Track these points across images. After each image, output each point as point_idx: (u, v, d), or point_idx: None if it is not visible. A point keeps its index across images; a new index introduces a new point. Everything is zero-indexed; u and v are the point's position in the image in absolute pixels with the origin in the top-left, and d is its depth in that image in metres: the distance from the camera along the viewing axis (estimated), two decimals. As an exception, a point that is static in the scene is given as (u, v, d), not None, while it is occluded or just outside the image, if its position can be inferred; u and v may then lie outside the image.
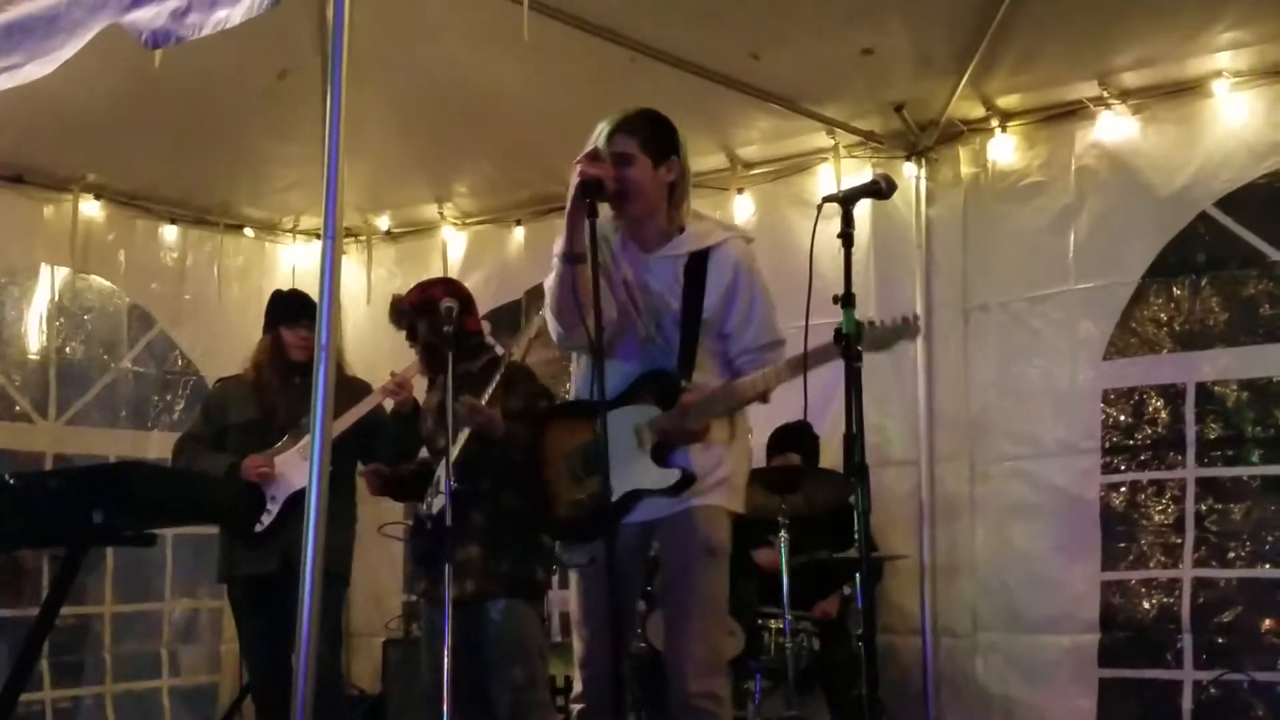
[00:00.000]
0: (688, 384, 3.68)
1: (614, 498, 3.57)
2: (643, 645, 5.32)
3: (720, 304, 3.72)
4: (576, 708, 3.81)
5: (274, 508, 5.20)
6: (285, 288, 6.15)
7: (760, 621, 5.50)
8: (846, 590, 5.72)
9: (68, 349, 6.57)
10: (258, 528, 5.21)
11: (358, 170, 5.80)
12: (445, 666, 4.16)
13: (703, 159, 6.45)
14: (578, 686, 3.80)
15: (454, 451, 4.42)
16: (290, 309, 5.42)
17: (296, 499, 5.01)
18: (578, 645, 3.81)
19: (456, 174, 6.97)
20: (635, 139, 3.71)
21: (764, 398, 3.69)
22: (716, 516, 3.71)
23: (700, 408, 3.64)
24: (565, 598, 5.95)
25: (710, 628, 3.69)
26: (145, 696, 6.73)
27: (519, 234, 7.12)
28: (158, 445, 6.65)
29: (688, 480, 3.64)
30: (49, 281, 6.49)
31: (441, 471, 4.52)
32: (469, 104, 5.78)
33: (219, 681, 6.94)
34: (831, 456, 5.70)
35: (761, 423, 5.99)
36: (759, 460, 6.02)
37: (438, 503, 4.49)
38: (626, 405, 3.67)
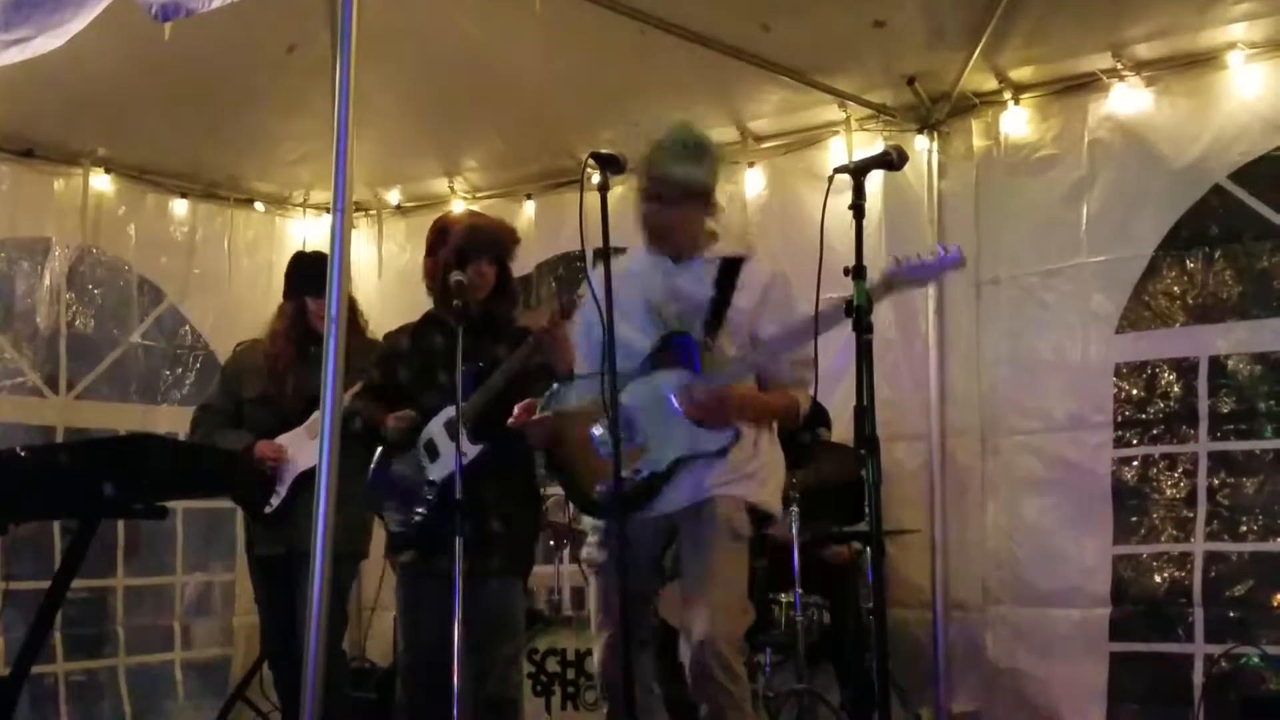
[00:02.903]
0: (710, 342, 3.71)
1: (662, 466, 3.66)
2: (655, 621, 5.32)
3: (750, 315, 3.76)
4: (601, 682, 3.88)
5: (282, 489, 5.12)
6: (303, 251, 6.02)
7: (770, 596, 5.50)
8: (857, 545, 5.71)
9: (78, 323, 6.58)
10: (267, 509, 5.15)
11: (367, 144, 5.78)
12: (456, 641, 4.04)
13: (713, 132, 6.30)
14: (598, 675, 3.88)
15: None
16: (317, 277, 5.20)
17: (304, 479, 4.94)
18: (596, 636, 3.87)
19: (466, 148, 6.96)
20: (699, 178, 3.74)
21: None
22: (737, 505, 3.74)
23: (725, 368, 3.68)
24: (567, 572, 6.02)
25: (726, 603, 3.71)
26: (158, 670, 6.76)
27: (529, 208, 7.10)
28: (167, 419, 6.65)
29: (738, 435, 3.68)
30: (59, 255, 6.48)
31: (435, 433, 4.43)
32: (479, 77, 5.75)
33: (231, 655, 6.96)
34: (841, 431, 5.69)
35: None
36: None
37: (438, 468, 4.40)
38: (655, 371, 3.71)
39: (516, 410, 4.00)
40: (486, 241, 4.53)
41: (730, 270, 3.79)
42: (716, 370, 3.69)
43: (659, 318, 3.80)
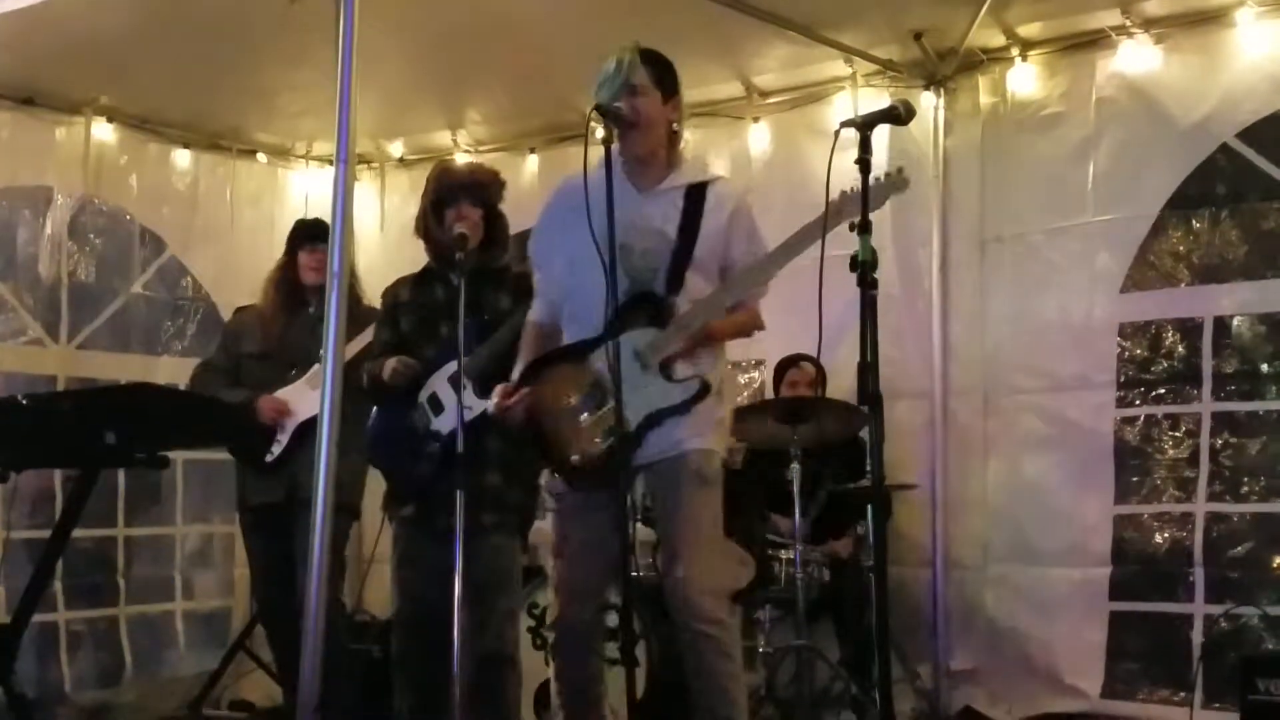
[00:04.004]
0: (673, 298, 3.69)
1: (632, 426, 3.60)
2: (652, 573, 5.34)
3: (721, 239, 3.75)
4: (551, 634, 3.85)
5: (284, 438, 5.21)
6: (300, 216, 6.12)
7: (770, 552, 5.52)
8: (860, 530, 5.72)
9: (79, 273, 6.55)
10: (268, 458, 5.23)
11: (369, 96, 5.72)
12: (456, 600, 4.01)
13: (719, 87, 6.39)
14: (553, 613, 3.82)
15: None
16: (308, 231, 5.37)
17: (305, 428, 5.02)
18: (553, 573, 3.85)
19: (469, 100, 6.91)
20: (647, 72, 3.73)
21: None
22: (708, 456, 3.74)
23: (694, 311, 3.68)
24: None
25: (706, 554, 3.69)
26: (158, 620, 6.78)
27: (532, 162, 7.07)
28: (168, 370, 6.64)
29: (705, 389, 3.66)
30: (61, 205, 6.45)
31: (438, 386, 4.42)
32: (482, 29, 5.71)
33: (231, 606, 6.99)
34: (843, 389, 5.68)
35: (772, 354, 6.00)
36: (767, 391, 6.06)
37: (444, 421, 4.37)
38: (621, 333, 3.66)
39: (495, 397, 3.90)
40: (460, 185, 4.50)
41: (696, 198, 3.76)
42: (680, 328, 3.68)
43: (621, 258, 3.70)
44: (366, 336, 4.83)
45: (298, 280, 5.34)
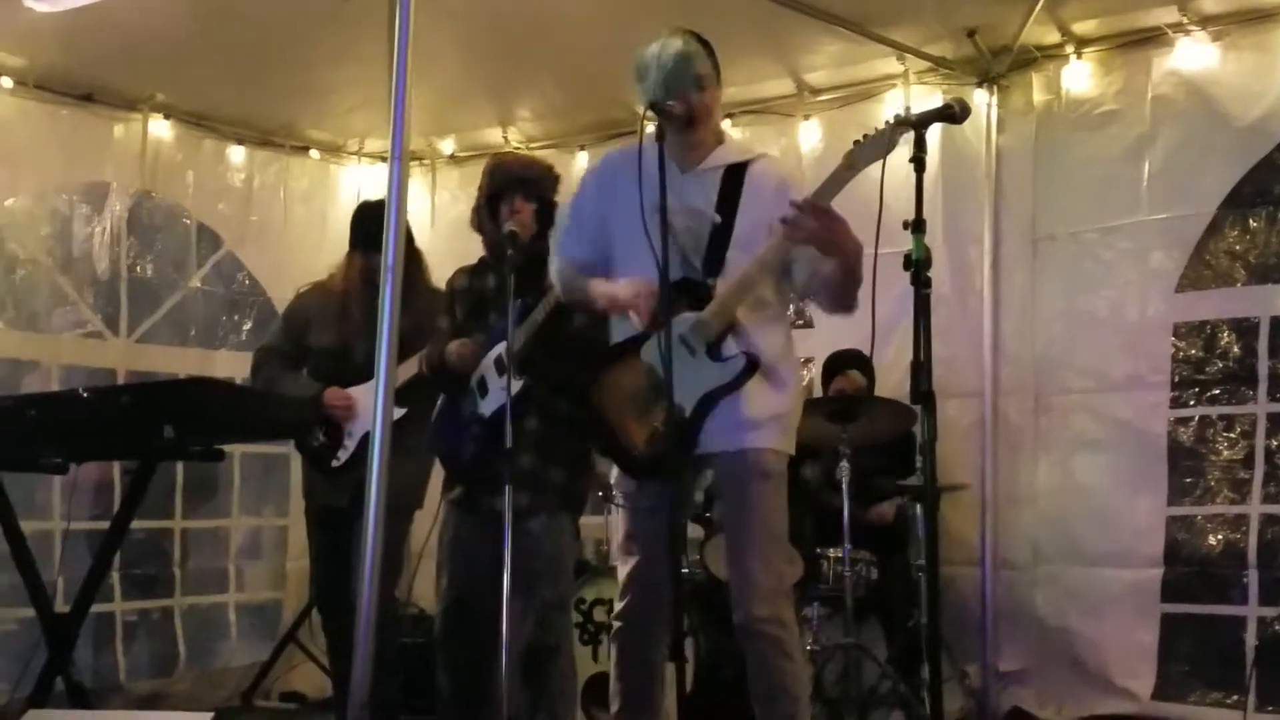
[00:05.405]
0: (713, 281, 3.67)
1: (688, 412, 3.59)
2: (699, 571, 5.36)
3: (764, 216, 3.64)
4: (616, 625, 3.87)
5: (351, 443, 5.17)
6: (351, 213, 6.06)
7: (819, 550, 5.51)
8: (901, 499, 5.67)
9: (138, 268, 6.64)
10: (334, 463, 5.20)
11: (421, 93, 5.68)
12: (505, 586, 3.97)
13: (769, 84, 6.39)
14: (618, 605, 3.84)
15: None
16: (377, 232, 5.21)
17: None
18: (621, 567, 3.86)
19: (520, 97, 6.94)
20: (710, 62, 3.72)
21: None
22: (773, 455, 3.71)
23: (731, 288, 3.63)
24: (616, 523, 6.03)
25: (770, 552, 3.68)
26: (211, 611, 6.87)
27: (582, 159, 7.07)
28: (225, 364, 6.73)
29: (753, 364, 3.61)
30: (119, 200, 6.53)
31: (485, 370, 4.45)
32: (532, 26, 5.73)
33: (283, 598, 7.06)
34: (892, 387, 5.66)
35: (820, 351, 6.00)
36: (815, 389, 6.05)
37: (487, 404, 4.41)
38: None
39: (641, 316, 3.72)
40: (515, 179, 4.51)
41: (735, 177, 3.72)
42: (719, 307, 3.63)
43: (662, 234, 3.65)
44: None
45: (374, 282, 5.18)
